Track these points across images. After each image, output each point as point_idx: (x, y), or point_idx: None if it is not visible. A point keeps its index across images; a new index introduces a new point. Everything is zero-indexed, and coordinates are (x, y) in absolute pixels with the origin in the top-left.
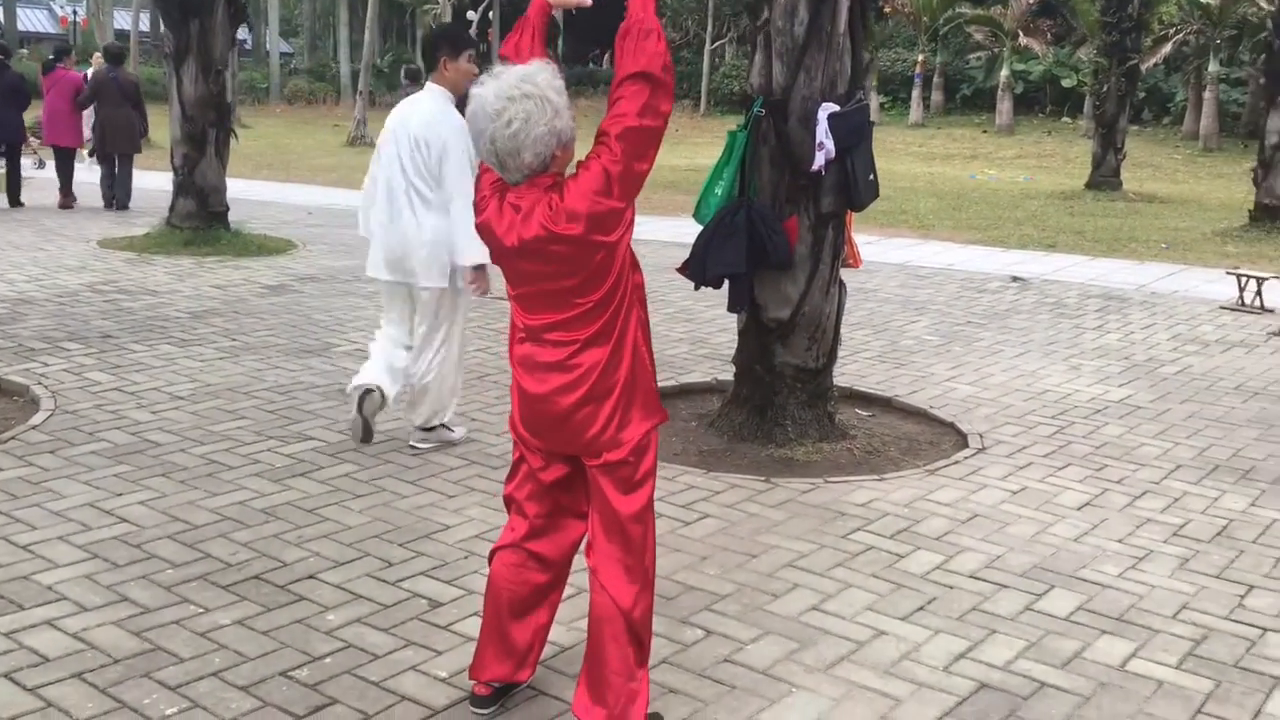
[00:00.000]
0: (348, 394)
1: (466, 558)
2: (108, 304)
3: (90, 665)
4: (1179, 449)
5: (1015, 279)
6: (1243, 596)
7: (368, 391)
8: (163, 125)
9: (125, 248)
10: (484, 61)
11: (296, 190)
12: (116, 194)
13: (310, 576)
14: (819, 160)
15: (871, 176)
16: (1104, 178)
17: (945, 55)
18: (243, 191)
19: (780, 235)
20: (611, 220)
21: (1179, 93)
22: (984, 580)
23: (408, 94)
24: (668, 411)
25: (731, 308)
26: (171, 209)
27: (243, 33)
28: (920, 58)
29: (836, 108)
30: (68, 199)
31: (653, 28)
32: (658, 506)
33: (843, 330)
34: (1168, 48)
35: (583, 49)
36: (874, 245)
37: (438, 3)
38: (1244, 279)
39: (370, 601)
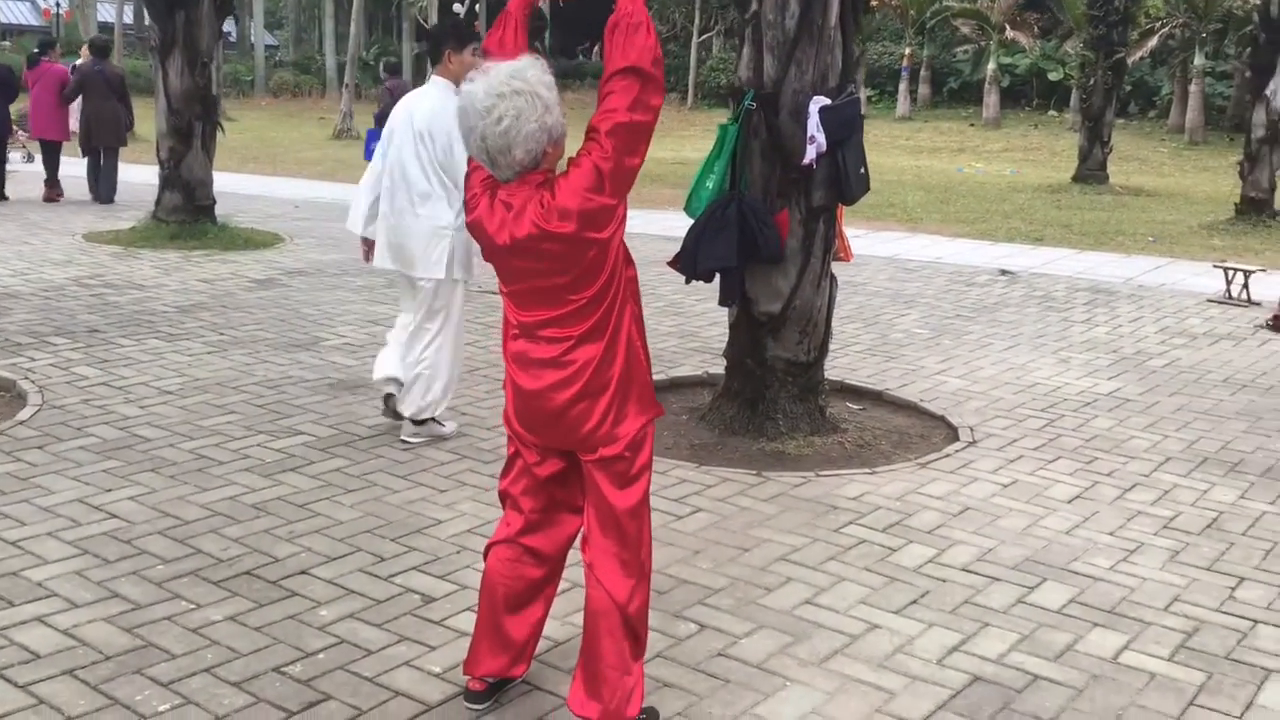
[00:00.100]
0: (374, 385)
1: (459, 552)
2: (94, 298)
3: (81, 662)
4: (1168, 442)
5: (1004, 272)
6: (1233, 588)
7: (389, 395)
8: (148, 118)
9: (111, 241)
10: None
11: (283, 184)
12: (102, 187)
13: (302, 572)
14: (810, 154)
15: (862, 170)
16: (1091, 171)
17: (932, 48)
18: (229, 185)
19: (771, 229)
20: (604, 217)
21: (1165, 86)
22: (976, 573)
23: (387, 88)
24: (663, 406)
25: (723, 301)
26: (157, 203)
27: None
28: (907, 51)
29: (828, 101)
30: (54, 192)
31: (642, 21)
32: (650, 501)
33: (833, 324)
34: (1154, 41)
35: (571, 42)
36: (862, 238)
37: None
38: (1231, 272)
39: (363, 597)
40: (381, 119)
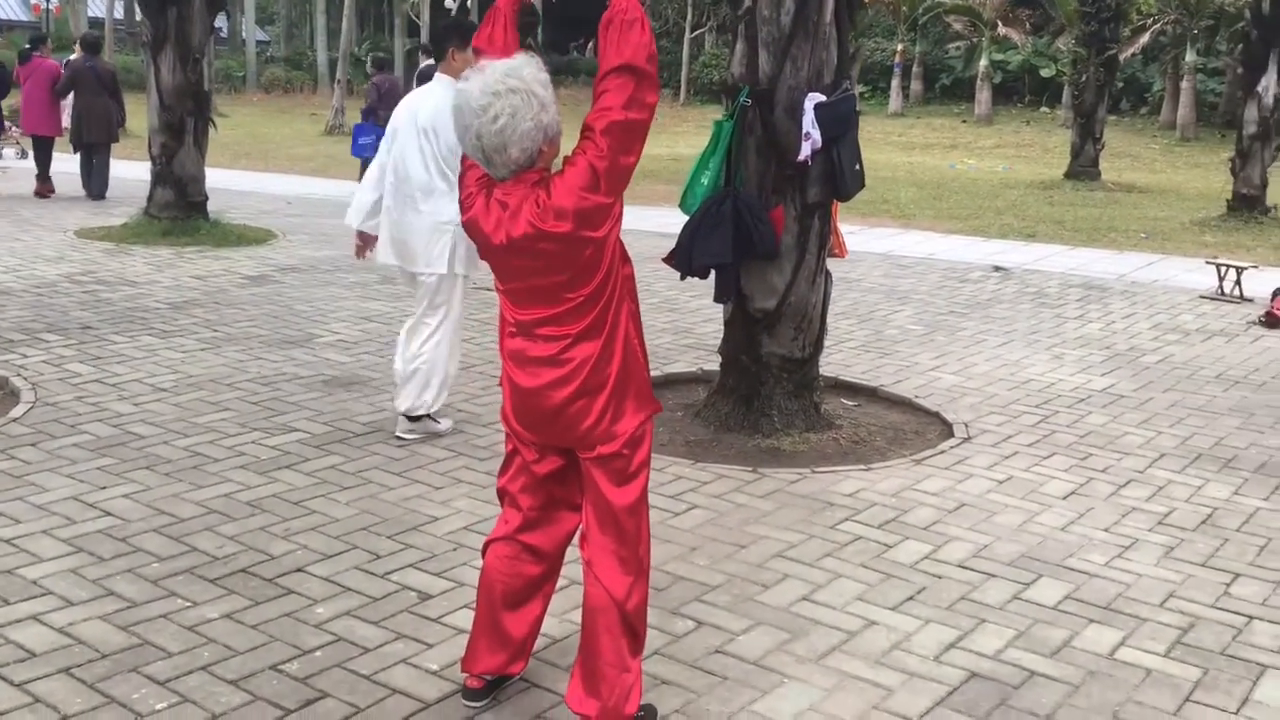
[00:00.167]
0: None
1: (455, 550)
2: (86, 295)
3: (78, 660)
4: (1162, 438)
5: (997, 268)
6: (1228, 584)
7: None
8: (139, 114)
9: (103, 238)
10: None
11: (275, 180)
12: (93, 184)
13: (298, 569)
14: (805, 150)
15: (857, 166)
16: (1083, 167)
17: (924, 45)
18: (221, 181)
19: (766, 225)
20: (599, 216)
21: (1156, 82)
22: (972, 570)
23: (375, 83)
24: (661, 403)
25: (718, 298)
26: (149, 199)
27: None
28: (899, 47)
29: (823, 98)
30: (45, 187)
31: (636, 17)
32: (648, 498)
33: (828, 320)
34: (1145, 38)
35: (563, 38)
36: (856, 235)
37: None
38: (1224, 269)
39: (359, 594)
40: (369, 114)
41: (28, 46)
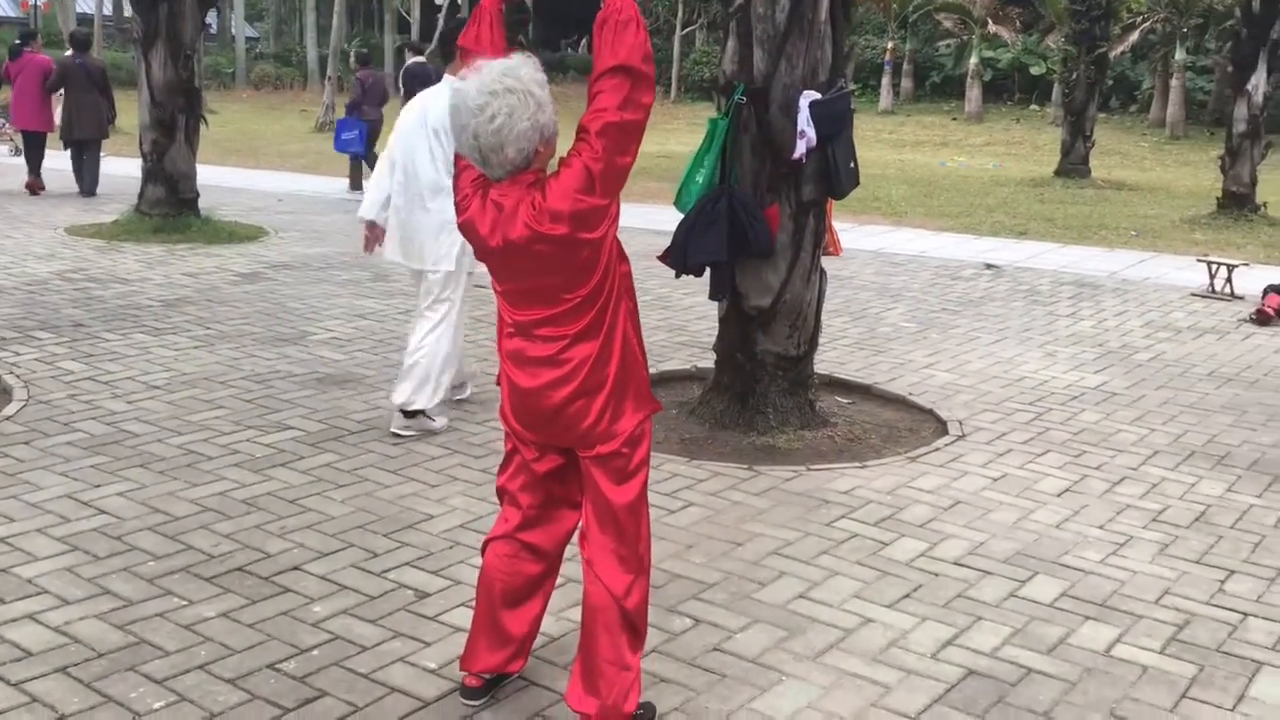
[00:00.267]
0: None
1: (452, 548)
2: (78, 292)
3: (74, 659)
4: (1155, 435)
5: (989, 266)
6: (1223, 581)
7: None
8: (130, 111)
9: (94, 235)
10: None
11: (266, 176)
12: (84, 180)
13: (295, 568)
14: (800, 148)
15: (852, 164)
16: (1073, 165)
17: (915, 42)
18: (212, 178)
19: (761, 223)
20: (595, 218)
21: (1146, 80)
22: (968, 567)
23: (359, 78)
24: (660, 402)
25: (713, 296)
26: (140, 196)
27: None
28: (890, 45)
29: (818, 95)
30: (36, 182)
31: (631, 17)
32: (648, 496)
33: (822, 318)
34: (1135, 36)
35: (553, 35)
36: (848, 232)
37: None
38: (1214, 266)
39: (356, 593)
40: (353, 108)
41: (18, 42)
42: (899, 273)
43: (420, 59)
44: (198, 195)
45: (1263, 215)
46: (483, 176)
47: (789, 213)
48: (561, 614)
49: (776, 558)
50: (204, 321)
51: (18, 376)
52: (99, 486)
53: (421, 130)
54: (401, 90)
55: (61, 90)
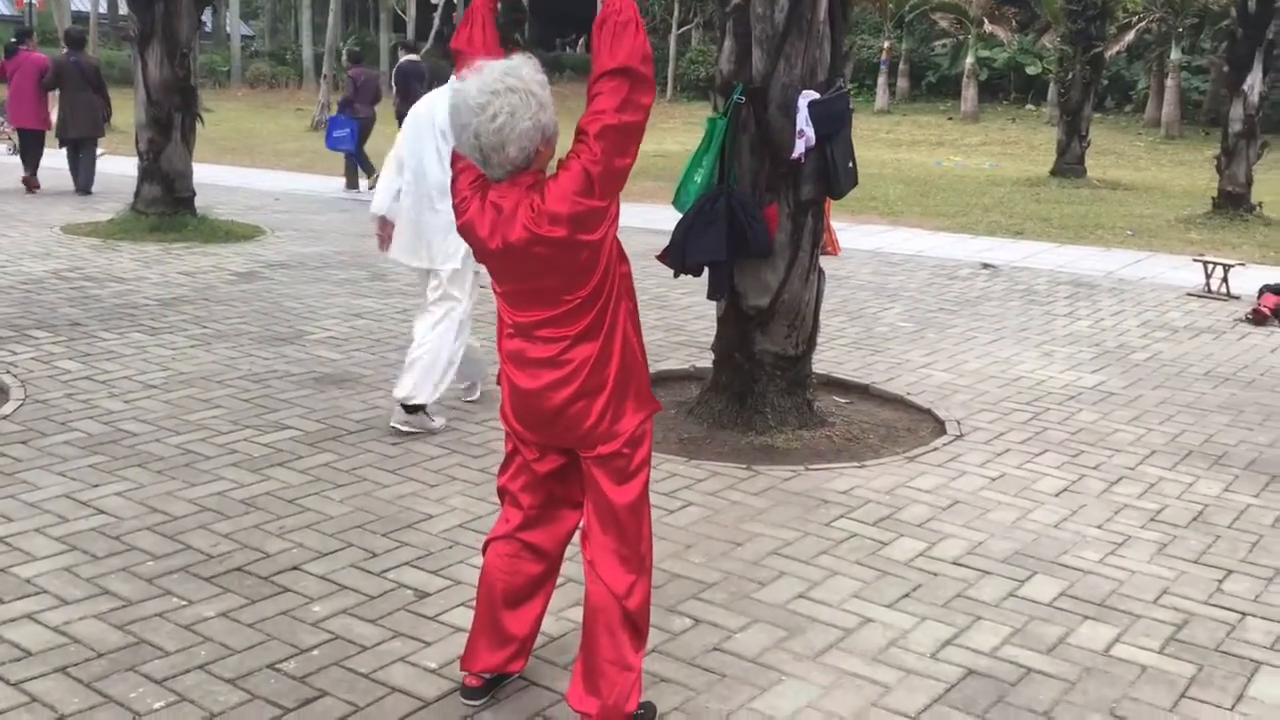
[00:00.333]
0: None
1: (451, 547)
2: (74, 291)
3: (74, 659)
4: (1152, 435)
5: (985, 266)
6: (1221, 581)
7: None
8: (125, 109)
9: (89, 234)
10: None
11: (262, 175)
12: (79, 178)
13: (294, 568)
14: (799, 148)
15: (850, 164)
16: (1069, 165)
17: (911, 42)
18: (207, 176)
19: (760, 223)
20: (594, 220)
21: (1141, 80)
22: (967, 567)
23: (351, 76)
24: (661, 403)
25: (711, 295)
26: (136, 194)
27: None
28: (886, 44)
29: (817, 95)
30: (32, 179)
31: (631, 18)
32: (649, 496)
33: (820, 317)
34: (1130, 36)
35: (549, 34)
36: (845, 232)
37: None
38: (1211, 266)
39: (356, 593)
40: (345, 105)
41: (14, 40)
42: (896, 272)
43: (414, 57)
44: (194, 194)
45: (1258, 215)
46: (481, 179)
47: (787, 212)
48: (561, 614)
49: (776, 557)
50: (201, 321)
51: (14, 376)
52: (97, 486)
53: (430, 131)
54: (394, 88)
55: (57, 89)
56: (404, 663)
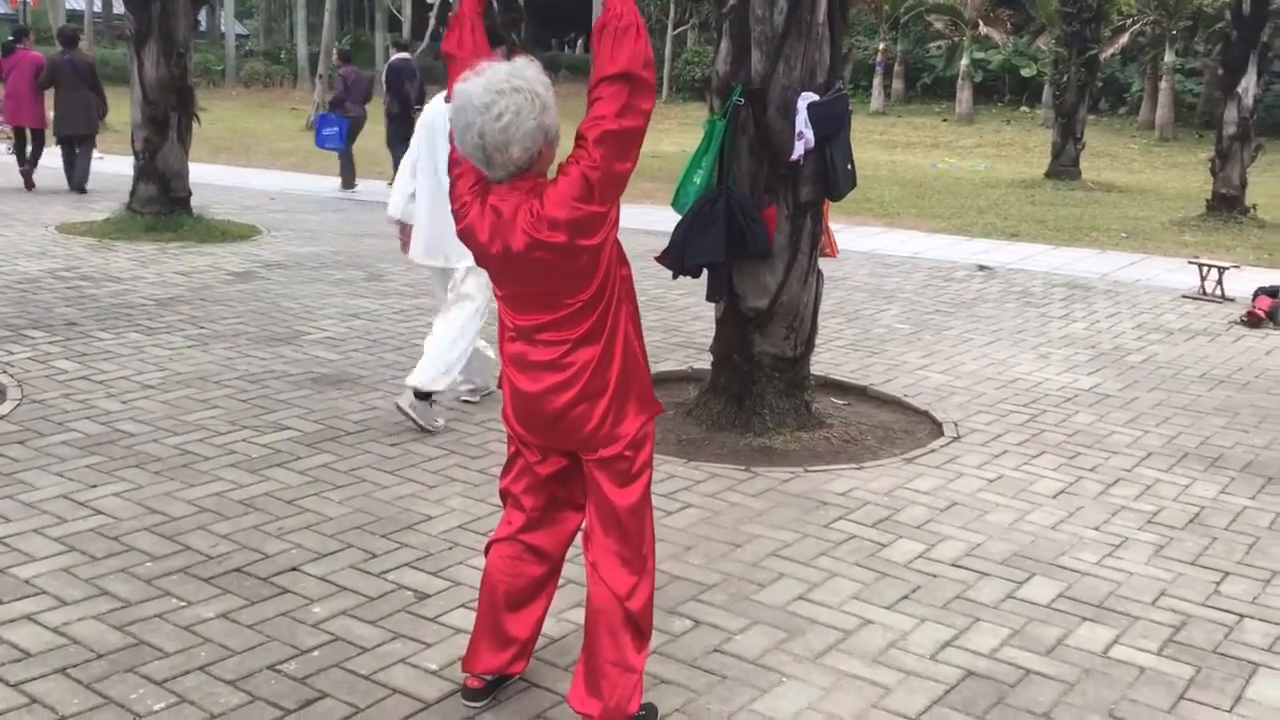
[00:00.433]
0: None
1: (450, 549)
2: (71, 291)
3: (74, 660)
4: (1149, 437)
5: (981, 268)
6: (1218, 583)
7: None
8: (121, 108)
9: (85, 233)
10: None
11: (257, 175)
12: (74, 175)
13: (293, 569)
14: (798, 150)
15: (849, 166)
16: (1063, 167)
17: (906, 43)
18: (202, 176)
19: (759, 224)
20: (594, 225)
21: (1135, 83)
22: (965, 568)
23: (341, 75)
24: (662, 404)
25: (710, 297)
26: (132, 194)
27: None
28: (881, 46)
29: (816, 97)
30: (27, 177)
31: (631, 23)
32: (651, 498)
33: (818, 319)
34: (1125, 38)
35: (544, 34)
36: (841, 233)
37: None
38: (1205, 268)
39: (355, 594)
40: (336, 104)
41: (11, 39)
42: (892, 274)
43: (405, 55)
44: (190, 194)
45: (1252, 217)
46: (480, 182)
47: (786, 214)
48: (562, 615)
49: (775, 559)
50: (198, 321)
51: (11, 375)
52: (95, 487)
53: (444, 131)
54: (385, 86)
55: (53, 87)
56: (405, 664)
